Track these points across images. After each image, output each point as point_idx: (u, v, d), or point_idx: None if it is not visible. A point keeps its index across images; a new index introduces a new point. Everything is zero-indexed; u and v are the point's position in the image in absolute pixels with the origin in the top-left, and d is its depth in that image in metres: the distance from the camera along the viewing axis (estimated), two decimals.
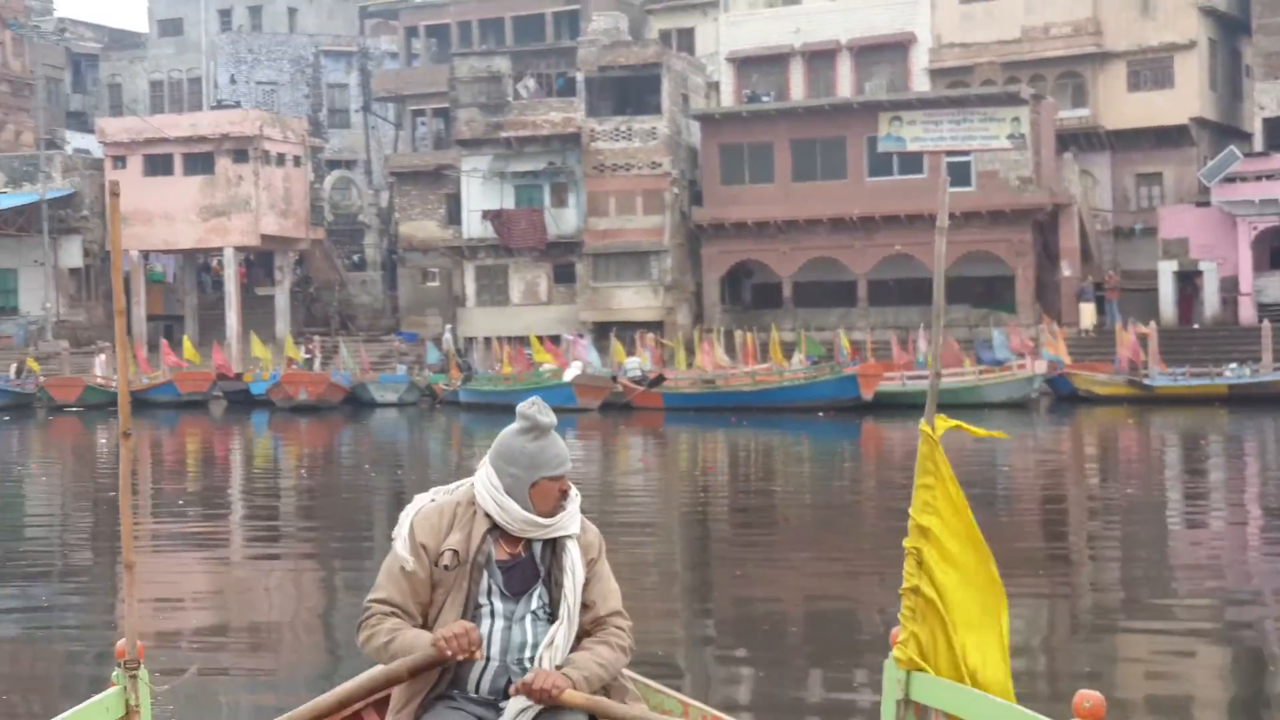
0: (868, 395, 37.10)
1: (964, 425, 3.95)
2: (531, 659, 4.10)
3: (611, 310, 49.71)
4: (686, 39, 57.12)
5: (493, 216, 50.87)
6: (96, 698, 3.91)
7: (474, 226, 51.73)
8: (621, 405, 40.24)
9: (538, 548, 4.18)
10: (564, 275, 51.11)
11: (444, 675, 4.08)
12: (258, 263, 59.12)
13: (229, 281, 53.97)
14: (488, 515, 4.15)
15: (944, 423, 3.83)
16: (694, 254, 50.39)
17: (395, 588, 4.12)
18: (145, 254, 55.30)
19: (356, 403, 44.36)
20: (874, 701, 4.94)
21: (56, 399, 45.09)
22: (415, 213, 55.05)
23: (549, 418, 4.17)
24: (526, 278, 51.49)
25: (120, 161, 54.50)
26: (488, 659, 4.09)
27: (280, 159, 55.19)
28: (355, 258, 59.66)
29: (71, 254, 54.21)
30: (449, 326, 50.52)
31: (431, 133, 59.64)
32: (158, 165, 54.28)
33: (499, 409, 41.38)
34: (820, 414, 36.47)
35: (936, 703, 3.75)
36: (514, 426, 4.19)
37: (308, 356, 47.53)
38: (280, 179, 55.06)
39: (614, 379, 41.18)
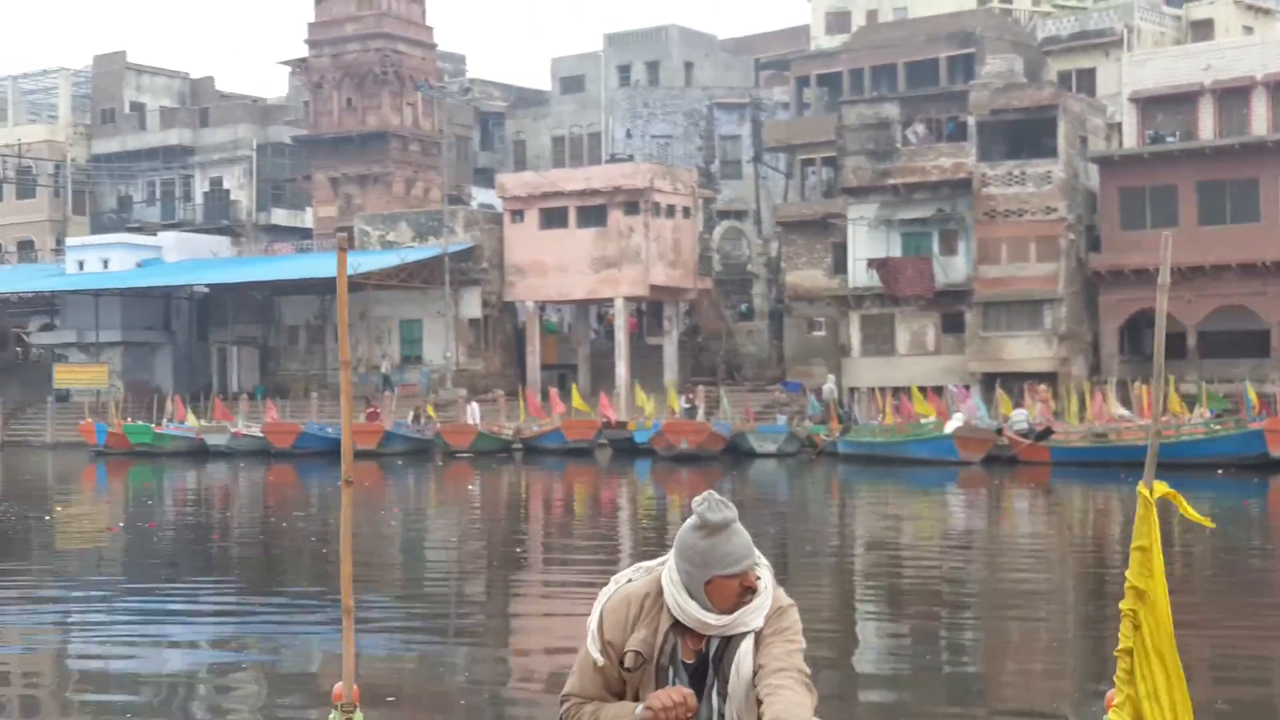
0: (1276, 452, 34.39)
1: (1178, 497, 3.65)
2: None
3: (1001, 360, 48.01)
4: (1087, 79, 55.13)
5: (878, 265, 50.00)
6: None
7: (860, 275, 50.98)
8: (1006, 459, 38.61)
9: (715, 642, 4.00)
10: (952, 325, 49.72)
11: None
12: (649, 312, 59.96)
13: (619, 331, 54.86)
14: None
15: (1160, 488, 3.63)
16: (1090, 302, 48.23)
17: (589, 682, 4.04)
18: (541, 304, 56.90)
19: (736, 452, 44.15)
20: None
21: (451, 445, 46.59)
22: (802, 262, 54.70)
23: (720, 515, 3.93)
24: (913, 327, 50.35)
25: (518, 215, 56.32)
26: None
27: (670, 210, 55.88)
28: (743, 307, 59.75)
29: (471, 305, 56.26)
30: (831, 377, 49.83)
31: (821, 182, 59.30)
32: (553, 218, 55.78)
33: (878, 461, 40.48)
34: (1219, 471, 33.98)
35: None
36: (690, 521, 3.99)
37: (687, 406, 47.63)
38: (670, 230, 55.72)
39: (999, 432, 39.55)
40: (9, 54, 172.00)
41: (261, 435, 47.64)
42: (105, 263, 60.93)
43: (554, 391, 49.90)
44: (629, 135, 66.18)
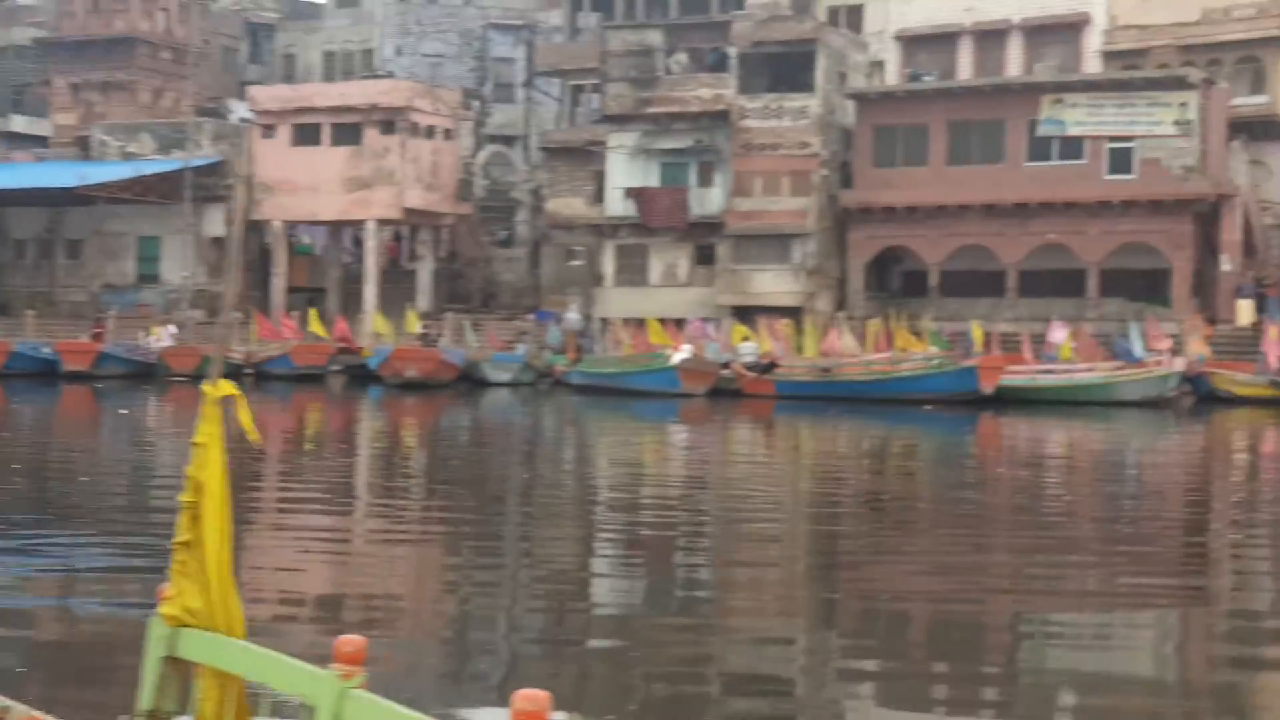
0: (988, 389, 34.50)
1: (243, 400, 3.79)
2: None
3: (750, 294, 47.54)
4: (855, 16, 54.76)
5: (635, 194, 49.16)
6: None
7: (617, 204, 50.08)
8: (732, 391, 38.16)
9: None
10: (705, 257, 49.11)
11: None
12: (411, 238, 58.32)
13: (368, 255, 53.11)
14: None
15: (226, 387, 3.80)
16: (841, 239, 47.96)
17: None
18: (291, 225, 54.77)
19: (471, 381, 43.04)
20: None
21: (174, 368, 44.33)
22: (564, 189, 53.55)
23: None
24: (666, 258, 49.61)
25: (270, 130, 54.14)
26: None
27: (430, 131, 54.20)
28: (504, 235, 58.41)
29: (214, 223, 54.04)
30: (574, 306, 48.92)
31: (591, 110, 58.14)
32: (306, 135, 53.71)
33: (607, 392, 39.72)
34: (927, 407, 33.92)
35: (202, 657, 3.68)
36: None
37: (424, 332, 46.31)
38: (429, 152, 54.08)
39: (726, 365, 39.06)
40: None
41: None
42: None
43: (284, 316, 48.12)
44: (399, 53, 64.30)
